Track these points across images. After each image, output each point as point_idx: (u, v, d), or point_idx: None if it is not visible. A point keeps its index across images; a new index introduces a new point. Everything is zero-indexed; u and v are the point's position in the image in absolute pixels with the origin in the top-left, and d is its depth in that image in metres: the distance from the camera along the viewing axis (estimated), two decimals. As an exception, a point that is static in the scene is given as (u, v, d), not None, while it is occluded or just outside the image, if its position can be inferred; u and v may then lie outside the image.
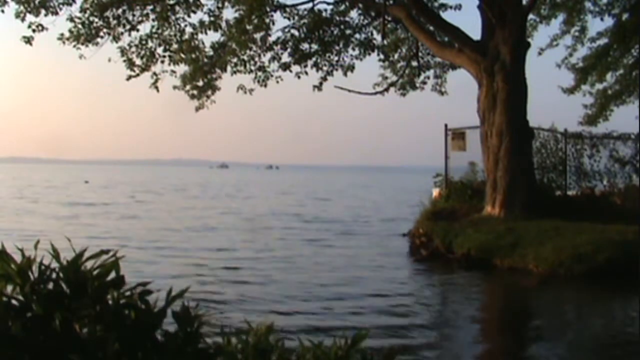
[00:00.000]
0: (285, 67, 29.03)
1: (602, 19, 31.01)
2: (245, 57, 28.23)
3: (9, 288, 3.67)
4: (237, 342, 4.05)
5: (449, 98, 33.90)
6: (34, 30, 24.33)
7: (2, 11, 24.05)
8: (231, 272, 18.69)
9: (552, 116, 56.64)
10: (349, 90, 28.55)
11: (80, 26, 25.34)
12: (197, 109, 29.77)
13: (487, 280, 19.24)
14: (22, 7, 23.88)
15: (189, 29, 26.93)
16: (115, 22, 25.79)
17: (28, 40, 24.65)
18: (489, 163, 23.66)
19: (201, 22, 26.56)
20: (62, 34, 25.39)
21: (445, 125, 27.65)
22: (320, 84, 30.25)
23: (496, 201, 23.21)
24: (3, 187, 73.91)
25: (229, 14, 27.58)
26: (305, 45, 29.19)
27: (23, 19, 24.08)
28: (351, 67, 30.12)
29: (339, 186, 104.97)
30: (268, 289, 16.32)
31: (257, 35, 27.45)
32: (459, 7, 28.83)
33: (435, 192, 28.03)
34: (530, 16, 27.94)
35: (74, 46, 25.58)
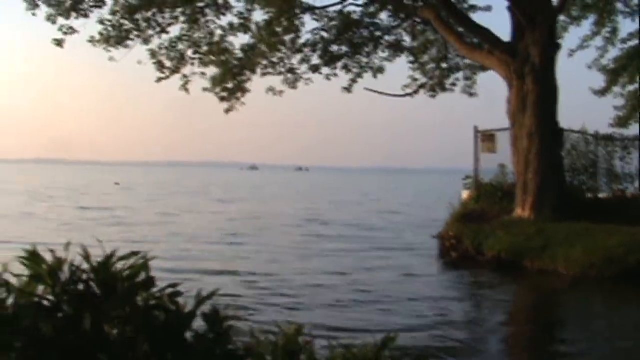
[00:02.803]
0: (315, 69, 29.06)
1: (633, 20, 30.78)
2: (274, 59, 28.30)
3: (40, 288, 3.69)
4: (267, 344, 4.06)
5: (479, 100, 33.78)
6: (64, 33, 24.49)
7: (34, 14, 24.21)
8: (262, 277, 18.66)
9: (583, 118, 56.40)
10: (379, 92, 28.60)
11: (110, 29, 25.48)
12: (227, 111, 29.81)
13: (517, 283, 19.15)
14: (53, 10, 24.03)
15: (218, 32, 27.05)
16: (145, 24, 25.90)
17: (59, 43, 24.81)
18: (519, 165, 23.54)
19: (231, 25, 26.64)
20: (92, 37, 25.54)
21: (475, 127, 27.54)
22: (350, 86, 30.28)
23: (526, 203, 23.08)
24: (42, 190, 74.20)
25: (259, 16, 27.82)
26: (334, 47, 29.21)
27: (54, 22, 24.23)
28: (381, 69, 30.11)
29: (368, 188, 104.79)
30: (298, 292, 16.32)
31: (287, 38, 27.52)
32: (488, 8, 28.77)
33: (465, 194, 27.91)
34: (561, 17, 27.78)
35: (104, 49, 25.75)
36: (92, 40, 25.61)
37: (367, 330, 11.81)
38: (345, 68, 29.71)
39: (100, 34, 25.49)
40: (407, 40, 30.14)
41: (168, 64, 27.39)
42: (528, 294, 18.52)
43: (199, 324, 3.81)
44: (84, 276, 3.73)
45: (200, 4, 26.17)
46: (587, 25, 31.77)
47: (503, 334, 13.26)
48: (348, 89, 30.42)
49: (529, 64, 23.08)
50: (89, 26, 25.00)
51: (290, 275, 18.84)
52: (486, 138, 27.20)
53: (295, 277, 18.52)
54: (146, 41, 26.51)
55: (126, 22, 25.60)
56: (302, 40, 28.35)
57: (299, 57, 28.82)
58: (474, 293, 18.24)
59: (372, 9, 28.97)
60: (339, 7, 28.35)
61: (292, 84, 29.15)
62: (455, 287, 18.44)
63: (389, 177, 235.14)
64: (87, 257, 3.78)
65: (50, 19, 24.16)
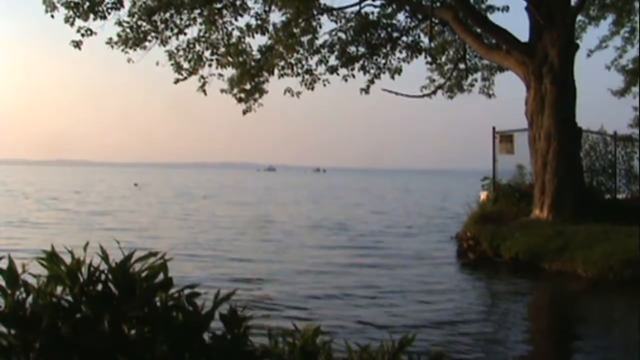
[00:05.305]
0: (333, 70, 29.03)
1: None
2: (292, 60, 28.30)
3: (59, 289, 3.71)
4: (284, 345, 4.06)
5: (497, 100, 33.67)
6: (82, 35, 24.53)
7: (52, 16, 24.26)
8: (277, 278, 18.66)
9: (602, 119, 56.11)
10: (397, 93, 28.51)
11: (128, 30, 25.53)
12: (245, 112, 29.80)
13: (535, 285, 19.06)
14: (71, 12, 24.07)
15: (236, 33, 27.02)
16: (163, 26, 25.94)
17: (77, 45, 24.86)
18: (537, 166, 23.47)
19: (248, 26, 26.61)
20: (110, 38, 25.60)
21: (493, 128, 27.49)
22: (368, 87, 30.24)
23: (544, 204, 23.02)
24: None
25: (276, 17, 27.78)
26: (352, 48, 29.21)
27: (72, 24, 24.27)
28: (398, 70, 30.04)
29: (386, 190, 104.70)
30: (314, 293, 16.29)
31: (304, 39, 27.56)
32: (506, 8, 28.67)
33: (483, 195, 27.86)
34: (579, 17, 27.69)
35: (122, 50, 25.80)
36: (110, 42, 25.68)
37: (384, 330, 11.81)
38: (363, 69, 29.69)
39: (118, 35, 25.56)
40: (424, 41, 30.09)
41: (186, 65, 27.40)
42: (546, 296, 18.41)
43: (217, 324, 3.82)
44: (103, 277, 3.75)
45: (218, 5, 26.20)
46: (605, 25, 31.68)
47: (519, 337, 13.19)
48: (366, 90, 30.39)
49: (547, 64, 23.01)
50: (107, 28, 25.07)
51: (306, 276, 18.82)
52: (504, 139, 27.14)
53: (311, 278, 18.51)
54: (164, 42, 26.55)
55: (144, 24, 25.66)
56: (319, 41, 28.42)
57: (316, 58, 28.84)
58: (491, 295, 18.18)
59: (389, 10, 28.98)
60: (356, 8, 28.39)
61: (310, 85, 29.13)
62: (473, 289, 18.39)
63: (407, 177, 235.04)
64: (105, 257, 3.80)
65: (69, 20, 24.21)
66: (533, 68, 23.37)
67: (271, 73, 28.55)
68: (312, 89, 29.21)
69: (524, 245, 20.41)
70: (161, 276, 3.80)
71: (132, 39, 25.68)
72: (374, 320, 13.29)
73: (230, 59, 27.50)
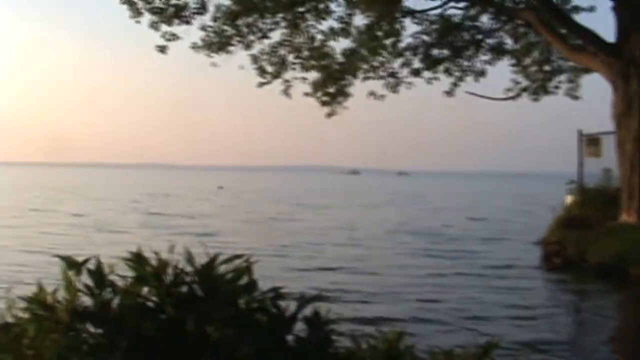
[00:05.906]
0: (416, 72, 28.98)
1: None
2: (375, 63, 28.32)
3: (145, 290, 3.76)
4: (368, 348, 4.05)
5: (579, 102, 33.09)
6: (167, 40, 24.96)
7: (138, 22, 24.69)
8: (364, 282, 18.64)
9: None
10: (481, 96, 28.39)
11: (212, 35, 25.83)
12: (329, 115, 29.91)
13: (621, 292, 18.69)
14: (156, 18, 24.48)
15: (319, 36, 27.16)
16: (246, 30, 26.17)
17: (162, 50, 25.29)
18: (625, 170, 23.02)
19: (331, 29, 26.72)
20: (195, 43, 25.96)
21: (580, 131, 27.08)
22: (452, 89, 30.14)
23: (632, 209, 22.56)
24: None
25: (359, 20, 27.85)
26: (435, 51, 29.11)
27: (157, 29, 24.69)
28: (482, 72, 29.87)
29: (467, 193, 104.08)
30: (395, 302, 16.24)
31: (387, 41, 27.51)
32: (592, 9, 28.23)
33: (569, 199, 27.42)
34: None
35: (206, 54, 26.13)
36: (194, 47, 26.04)
37: (468, 338, 11.72)
38: (447, 71, 29.59)
39: (203, 40, 25.89)
40: (508, 42, 29.84)
41: (269, 69, 27.66)
42: (633, 305, 18.05)
43: (301, 326, 3.83)
44: (188, 278, 3.78)
45: (301, 9, 26.32)
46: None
47: (605, 351, 12.92)
48: (450, 93, 30.28)
49: (635, 65, 22.58)
50: (191, 33, 25.42)
51: (390, 285, 18.70)
52: (591, 142, 26.73)
53: (395, 286, 18.39)
54: (247, 46, 26.80)
55: (228, 28, 25.92)
56: (402, 44, 28.37)
57: (399, 61, 28.84)
58: (577, 302, 17.87)
59: (472, 12, 28.75)
60: (439, 11, 28.24)
61: (394, 88, 29.13)
62: (557, 296, 18.10)
63: (488, 180, 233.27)
64: (190, 259, 3.83)
65: (154, 25, 24.62)
66: (620, 69, 22.94)
67: (354, 76, 28.63)
68: (396, 92, 29.25)
69: (610, 250, 20.06)
70: (246, 279, 3.82)
71: (216, 44, 25.98)
72: (452, 328, 13.17)
73: (313, 62, 27.67)
